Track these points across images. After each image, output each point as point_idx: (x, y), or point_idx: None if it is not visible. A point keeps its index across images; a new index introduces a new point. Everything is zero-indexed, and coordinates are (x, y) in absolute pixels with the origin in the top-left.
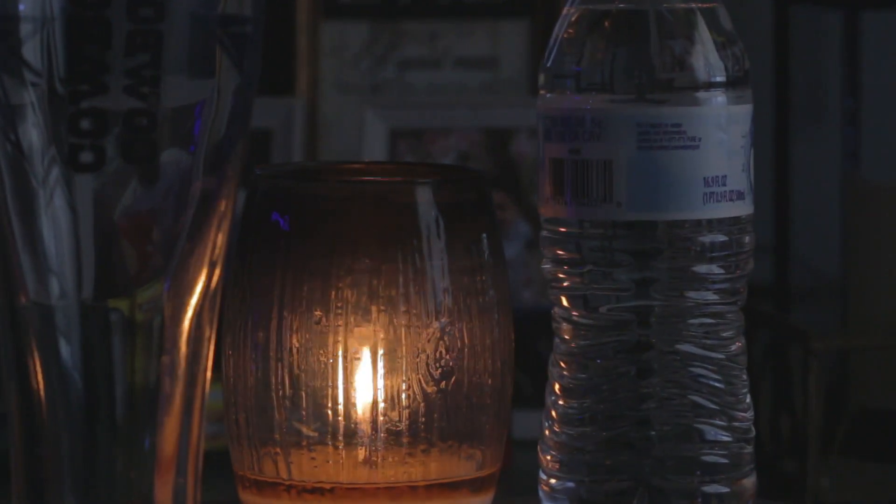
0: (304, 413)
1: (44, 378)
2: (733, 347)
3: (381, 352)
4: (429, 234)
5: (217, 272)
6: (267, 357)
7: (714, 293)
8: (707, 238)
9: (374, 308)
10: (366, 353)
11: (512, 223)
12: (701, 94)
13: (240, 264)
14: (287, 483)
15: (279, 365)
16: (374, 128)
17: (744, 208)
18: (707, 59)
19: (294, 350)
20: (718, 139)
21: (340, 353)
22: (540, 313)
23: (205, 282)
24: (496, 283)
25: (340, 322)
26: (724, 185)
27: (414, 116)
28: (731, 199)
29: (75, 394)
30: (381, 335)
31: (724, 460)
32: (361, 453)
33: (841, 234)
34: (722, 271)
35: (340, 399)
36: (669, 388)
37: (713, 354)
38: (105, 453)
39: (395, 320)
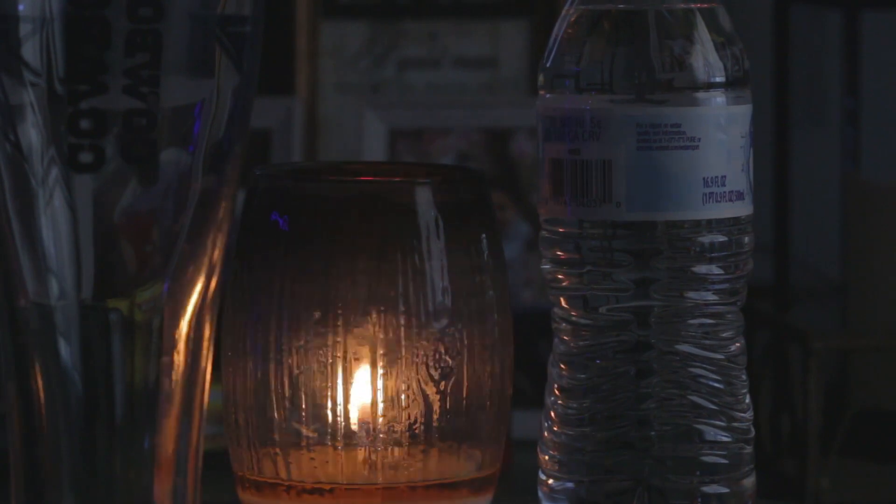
0: (303, 413)
1: (43, 378)
2: (733, 348)
3: (380, 352)
4: (428, 234)
5: (216, 272)
6: (266, 357)
7: (713, 293)
8: (707, 238)
9: (373, 308)
10: (365, 354)
11: (511, 223)
12: (700, 95)
13: (239, 264)
14: (286, 483)
15: (278, 365)
16: (373, 128)
17: (743, 208)
18: (706, 59)
19: (293, 350)
20: (718, 139)
21: (340, 353)
22: (539, 314)
23: (204, 282)
24: (496, 283)
25: (340, 322)
26: (724, 185)
27: (413, 116)
28: (730, 200)
29: (75, 394)
30: (381, 336)
31: (724, 460)
32: (361, 454)
33: (841, 235)
34: (721, 271)
35: (340, 399)
36: (669, 388)
37: (713, 355)
38: (104, 453)
39: (394, 321)
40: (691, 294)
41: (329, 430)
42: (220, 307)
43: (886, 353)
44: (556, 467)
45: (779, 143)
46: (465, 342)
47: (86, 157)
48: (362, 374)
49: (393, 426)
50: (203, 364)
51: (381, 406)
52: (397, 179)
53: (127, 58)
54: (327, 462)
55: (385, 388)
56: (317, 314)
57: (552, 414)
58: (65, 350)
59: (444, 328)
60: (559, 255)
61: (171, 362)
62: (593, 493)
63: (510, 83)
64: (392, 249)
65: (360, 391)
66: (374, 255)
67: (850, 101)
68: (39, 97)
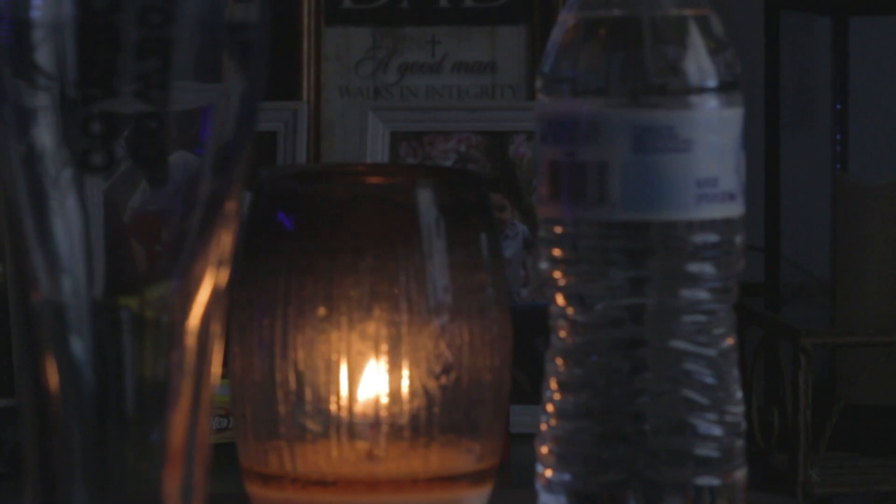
0: (308, 408)
1: (56, 373)
2: (724, 344)
3: (382, 348)
4: (429, 233)
5: (224, 271)
6: (272, 353)
7: (706, 291)
8: (699, 238)
9: (376, 306)
10: (368, 350)
11: (510, 223)
12: (693, 99)
13: (246, 263)
14: (292, 476)
15: (284, 361)
16: (375, 130)
17: (735, 209)
18: (699, 64)
19: (298, 347)
20: (710, 142)
21: (343, 349)
22: (537, 311)
23: (212, 280)
24: (495, 281)
25: (343, 319)
26: (716, 186)
27: (414, 119)
28: (722, 201)
29: (87, 388)
30: (383, 332)
31: (716, 453)
32: (364, 447)
33: (830, 235)
34: (714, 270)
35: (343, 394)
36: (663, 383)
37: (705, 351)
38: (115, 446)
39: (396, 317)
40: (684, 292)
41: (333, 425)
42: (228, 304)
43: (873, 350)
44: (554, 460)
45: (770, 145)
46: (465, 338)
47: (97, 159)
48: (365, 369)
49: (395, 420)
50: (210, 360)
51: (383, 400)
52: (399, 180)
53: (137, 63)
54: (331, 455)
55: (387, 382)
56: (321, 311)
57: (550, 408)
58: (77, 346)
59: (444, 324)
60: (556, 254)
61: (180, 358)
62: (589, 485)
63: (509, 87)
64: (394, 248)
65: (363, 386)
66: (376, 253)
67: (840, 105)
68: (52, 101)
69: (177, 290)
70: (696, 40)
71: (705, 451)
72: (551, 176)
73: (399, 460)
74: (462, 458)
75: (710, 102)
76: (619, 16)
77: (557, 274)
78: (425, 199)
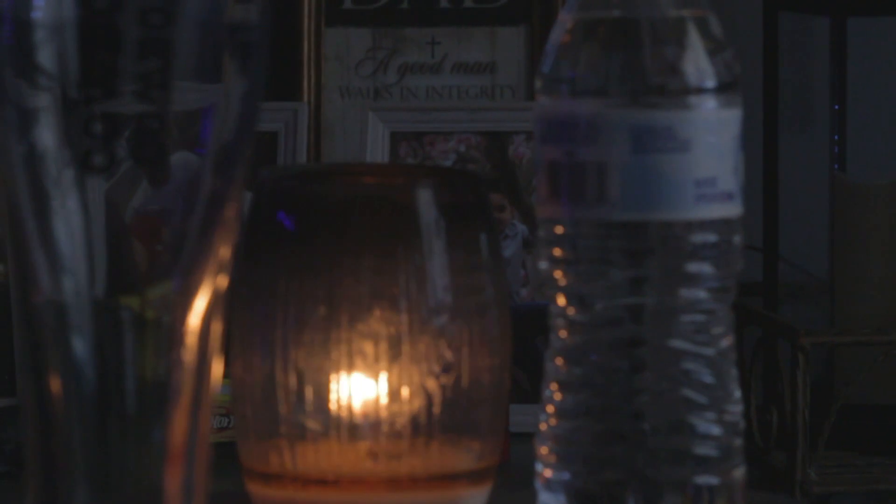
0: (308, 407)
1: (57, 372)
2: (723, 343)
3: (383, 347)
4: (429, 233)
5: (225, 271)
6: (273, 353)
7: (705, 291)
8: (698, 238)
9: (376, 305)
10: (368, 349)
11: (510, 223)
12: (692, 99)
13: (246, 263)
14: (292, 475)
15: (285, 360)
16: (375, 131)
17: (734, 209)
18: (698, 65)
19: (299, 346)
20: (709, 142)
21: (344, 349)
22: (537, 311)
23: (213, 280)
24: (494, 280)
25: (344, 319)
26: (715, 186)
27: (414, 120)
28: (721, 201)
29: (88, 388)
30: (383, 332)
31: (715, 452)
32: (364, 446)
33: (829, 234)
34: (712, 270)
35: (343, 394)
36: (662, 382)
37: (704, 350)
38: (117, 445)
39: (396, 317)
40: (683, 292)
41: (333, 424)
42: (228, 304)
43: (871, 350)
44: (554, 459)
45: (768, 145)
46: (465, 338)
47: (98, 160)
48: (365, 368)
49: (395, 419)
50: (212, 359)
51: (383, 400)
52: (399, 181)
53: (138, 63)
54: (331, 454)
55: (388, 382)
56: (322, 310)
57: (549, 407)
58: (78, 345)
59: (444, 324)
60: (556, 254)
61: (181, 358)
62: (589, 484)
63: (508, 88)
64: (394, 248)
65: (363, 385)
66: (377, 253)
67: (838, 105)
68: (54, 101)
69: (178, 290)
70: (695, 41)
71: (704, 450)
72: (550, 176)
73: (399, 459)
74: (462, 458)
75: (709, 103)
76: (619, 16)
77: (557, 274)
78: (425, 199)
